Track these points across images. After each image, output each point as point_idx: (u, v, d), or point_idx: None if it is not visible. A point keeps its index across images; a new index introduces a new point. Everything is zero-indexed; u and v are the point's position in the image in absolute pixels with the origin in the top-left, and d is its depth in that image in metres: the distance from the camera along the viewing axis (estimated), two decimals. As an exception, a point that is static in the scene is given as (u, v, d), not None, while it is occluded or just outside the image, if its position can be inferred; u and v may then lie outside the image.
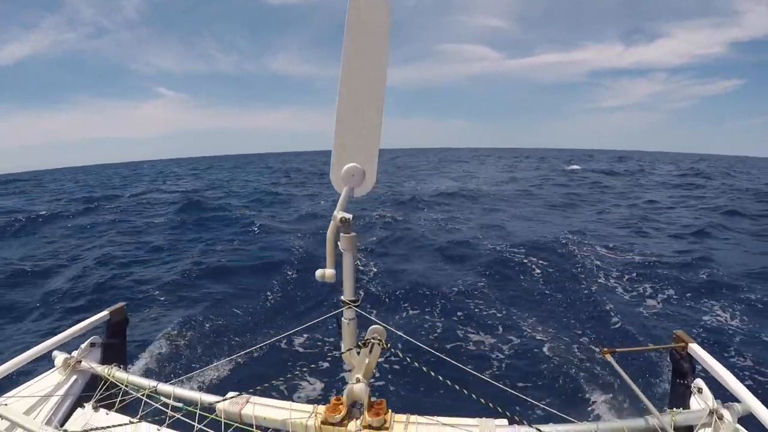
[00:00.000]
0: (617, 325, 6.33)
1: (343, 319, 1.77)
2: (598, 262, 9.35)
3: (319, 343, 5.81)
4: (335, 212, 1.68)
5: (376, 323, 1.77)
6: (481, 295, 7.55)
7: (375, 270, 8.77)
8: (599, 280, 8.26)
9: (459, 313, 6.81)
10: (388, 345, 1.75)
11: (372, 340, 1.74)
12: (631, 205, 18.54)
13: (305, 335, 5.90)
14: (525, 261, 9.40)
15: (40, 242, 13.06)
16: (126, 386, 2.08)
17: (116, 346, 2.48)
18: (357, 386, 1.72)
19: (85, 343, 2.34)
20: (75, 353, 2.30)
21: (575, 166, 43.99)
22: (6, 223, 15.47)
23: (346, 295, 1.74)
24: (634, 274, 8.57)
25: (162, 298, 7.75)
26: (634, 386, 1.77)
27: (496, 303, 7.21)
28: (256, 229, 13.50)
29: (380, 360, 1.79)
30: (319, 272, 1.69)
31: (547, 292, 7.78)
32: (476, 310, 6.98)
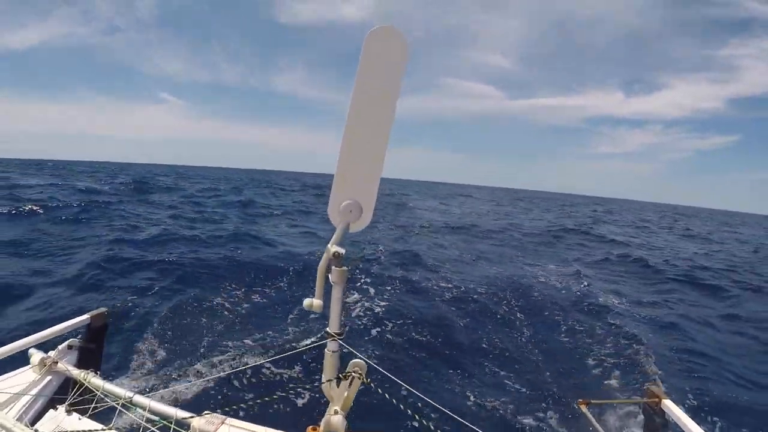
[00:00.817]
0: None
1: (326, 350, 1.76)
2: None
3: (301, 369, 5.74)
4: (329, 245, 1.67)
5: (359, 357, 1.77)
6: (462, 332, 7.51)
7: (369, 303, 8.69)
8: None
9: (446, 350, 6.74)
10: (368, 380, 1.76)
11: (353, 374, 1.74)
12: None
13: (290, 360, 5.82)
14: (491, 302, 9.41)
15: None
16: (101, 393, 2.06)
17: (93, 351, 2.46)
18: (334, 418, 1.72)
19: (63, 344, 2.32)
20: (52, 353, 2.27)
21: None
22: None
23: (332, 327, 1.74)
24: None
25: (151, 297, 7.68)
26: None
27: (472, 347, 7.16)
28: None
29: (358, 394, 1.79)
30: (306, 301, 1.69)
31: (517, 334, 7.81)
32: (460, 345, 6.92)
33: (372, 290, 9.31)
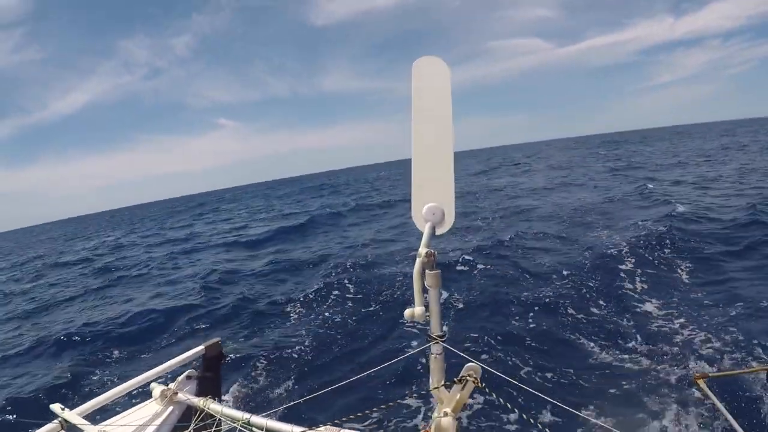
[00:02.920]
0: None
1: (430, 354, 1.76)
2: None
3: (406, 374, 5.73)
4: (420, 249, 1.70)
5: (468, 360, 1.75)
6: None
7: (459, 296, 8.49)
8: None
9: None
10: (483, 385, 1.71)
11: (467, 377, 1.71)
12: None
13: (393, 366, 5.84)
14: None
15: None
16: (221, 417, 2.15)
17: (211, 379, 2.59)
18: (444, 420, 1.71)
19: (182, 375, 2.45)
20: (172, 385, 2.41)
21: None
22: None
23: (434, 330, 1.74)
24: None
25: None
26: (730, 417, 1.68)
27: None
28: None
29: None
30: (408, 312, 1.68)
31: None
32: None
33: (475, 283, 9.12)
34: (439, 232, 1.85)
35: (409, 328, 7.19)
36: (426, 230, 1.80)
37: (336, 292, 9.61)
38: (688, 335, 6.17)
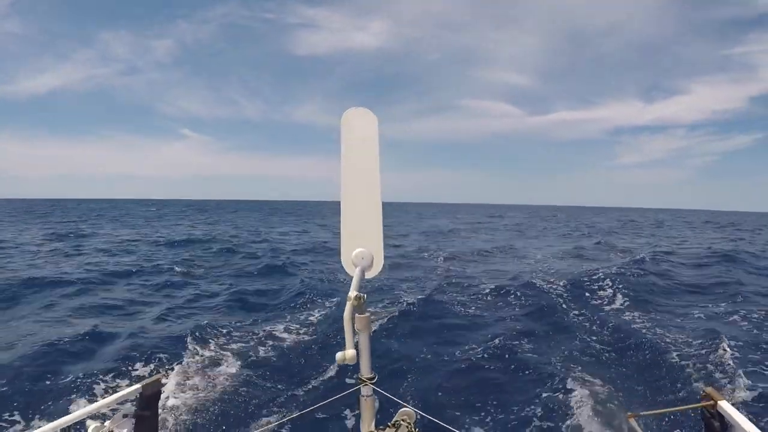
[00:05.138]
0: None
1: (361, 396, 1.78)
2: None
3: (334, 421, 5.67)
4: (350, 292, 1.73)
5: (402, 404, 1.82)
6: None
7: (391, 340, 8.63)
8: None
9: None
10: (417, 430, 1.76)
11: (401, 422, 1.76)
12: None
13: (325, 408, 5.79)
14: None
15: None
16: None
17: (148, 418, 2.53)
18: None
19: (118, 414, 2.40)
20: (107, 423, 2.35)
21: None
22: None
23: (363, 372, 1.77)
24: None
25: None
26: None
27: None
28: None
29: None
30: (339, 355, 1.68)
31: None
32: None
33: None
34: (368, 276, 1.90)
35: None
36: (356, 274, 1.83)
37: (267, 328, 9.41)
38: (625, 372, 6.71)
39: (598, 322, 9.58)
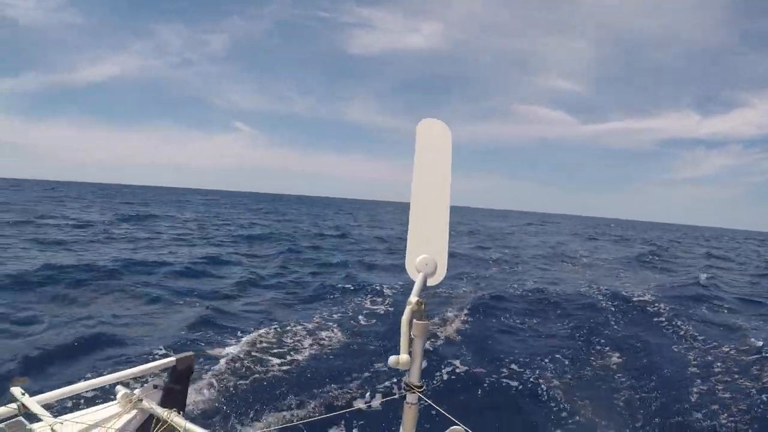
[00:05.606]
0: None
1: (405, 402, 1.74)
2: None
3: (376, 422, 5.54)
4: (411, 297, 1.72)
5: (453, 422, 1.74)
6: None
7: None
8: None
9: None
10: None
11: None
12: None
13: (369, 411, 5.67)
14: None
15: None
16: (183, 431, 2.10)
17: (177, 392, 2.52)
18: None
19: (149, 383, 2.39)
20: (137, 391, 2.34)
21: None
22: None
23: (412, 378, 1.72)
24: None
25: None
26: None
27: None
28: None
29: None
30: (392, 359, 1.66)
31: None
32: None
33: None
34: (430, 282, 1.90)
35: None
36: (418, 280, 1.85)
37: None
38: None
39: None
